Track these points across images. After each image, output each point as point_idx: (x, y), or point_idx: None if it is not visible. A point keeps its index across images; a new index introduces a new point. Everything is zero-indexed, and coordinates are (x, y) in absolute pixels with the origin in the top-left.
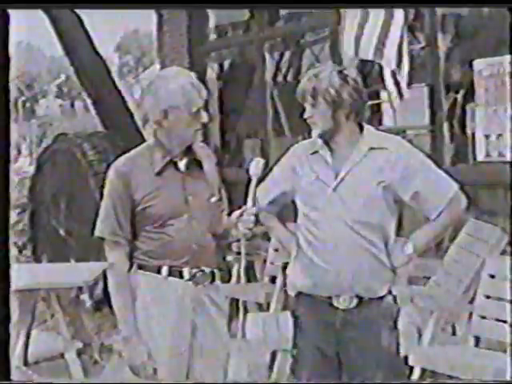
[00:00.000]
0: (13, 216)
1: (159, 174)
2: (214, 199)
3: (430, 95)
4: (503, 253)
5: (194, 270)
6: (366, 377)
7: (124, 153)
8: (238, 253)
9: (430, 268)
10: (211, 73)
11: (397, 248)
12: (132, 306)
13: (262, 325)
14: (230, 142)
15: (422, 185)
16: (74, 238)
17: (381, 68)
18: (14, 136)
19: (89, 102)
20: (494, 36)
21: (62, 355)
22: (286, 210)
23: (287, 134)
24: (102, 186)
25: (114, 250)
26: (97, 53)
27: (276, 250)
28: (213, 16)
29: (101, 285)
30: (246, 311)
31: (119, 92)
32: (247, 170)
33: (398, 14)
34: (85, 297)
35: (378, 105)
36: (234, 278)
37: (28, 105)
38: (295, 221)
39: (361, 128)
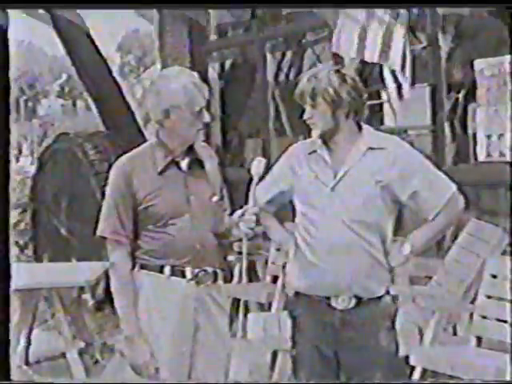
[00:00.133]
0: (14, 215)
1: (161, 173)
2: (215, 198)
3: (431, 95)
4: (504, 253)
5: (197, 270)
6: (364, 377)
7: (125, 152)
8: (240, 252)
9: (432, 268)
10: (212, 72)
11: (394, 248)
12: (134, 305)
13: (263, 325)
14: (232, 142)
15: (420, 185)
16: (76, 237)
17: (381, 68)
18: (15, 135)
19: (90, 101)
20: (495, 36)
21: (63, 355)
22: (284, 210)
23: (289, 134)
24: (104, 186)
25: (116, 250)
26: (98, 52)
27: (278, 250)
28: (214, 16)
29: (102, 284)
30: (247, 311)
31: (120, 92)
32: (249, 170)
33: (402, 14)
34: (86, 296)
35: (380, 105)
36: (235, 278)
37: (29, 104)
38: (293, 220)
39: (359, 128)
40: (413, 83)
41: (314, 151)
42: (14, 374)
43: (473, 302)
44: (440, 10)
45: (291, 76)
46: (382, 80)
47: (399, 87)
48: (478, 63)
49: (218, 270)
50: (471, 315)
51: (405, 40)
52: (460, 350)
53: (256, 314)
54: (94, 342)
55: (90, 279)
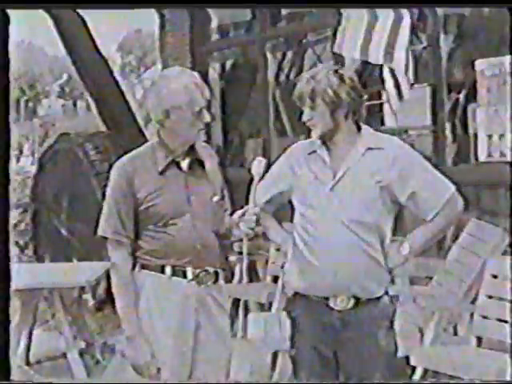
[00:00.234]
0: (15, 216)
1: (162, 173)
2: (216, 198)
3: (432, 95)
4: (505, 253)
5: (198, 270)
6: (363, 377)
7: (126, 153)
8: (240, 252)
9: (432, 268)
10: (213, 73)
11: (393, 248)
12: (135, 305)
13: (263, 325)
14: (232, 142)
15: (418, 185)
16: (76, 237)
17: (381, 69)
18: (16, 136)
19: (91, 101)
20: (496, 36)
21: (64, 355)
22: (283, 210)
23: (289, 134)
24: (104, 186)
25: (117, 250)
26: (99, 52)
27: (278, 250)
28: (215, 16)
29: (103, 284)
30: (247, 311)
31: (121, 92)
32: (249, 170)
33: (406, 16)
34: (87, 296)
35: (380, 105)
36: (236, 278)
37: (30, 104)
38: (291, 221)
39: (359, 128)
40: (412, 83)
41: (314, 151)
42: (14, 374)
43: (473, 302)
44: (441, 10)
45: (292, 76)
46: (382, 80)
47: (398, 88)
48: (479, 63)
49: (219, 270)
50: (472, 315)
51: (408, 41)
52: (460, 350)
53: (256, 314)
54: (95, 342)
55: (91, 279)
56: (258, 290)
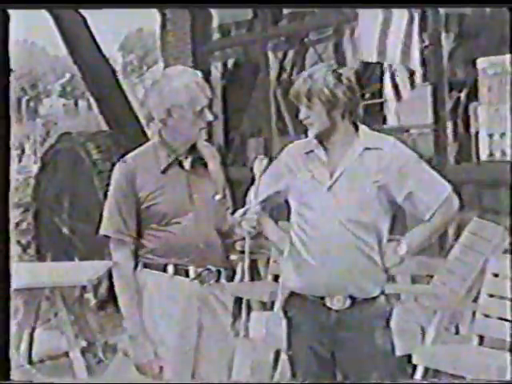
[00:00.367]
0: (17, 215)
1: (164, 172)
2: (218, 197)
3: (433, 94)
4: (506, 251)
5: (200, 269)
6: (361, 377)
7: (128, 152)
8: (242, 251)
9: (434, 267)
10: (215, 72)
11: (390, 248)
12: (138, 304)
13: (265, 323)
14: (234, 141)
15: (415, 185)
16: (78, 236)
17: (381, 69)
18: (17, 135)
19: (92, 101)
20: (497, 35)
21: (66, 354)
22: (281, 210)
23: (291, 133)
24: (106, 185)
25: (119, 249)
26: (100, 52)
27: None
28: (216, 15)
29: (105, 284)
30: (249, 310)
31: (123, 91)
32: (251, 169)
33: (416, 15)
34: (89, 296)
35: (382, 103)
36: (237, 277)
37: (32, 104)
38: (288, 220)
39: (356, 128)
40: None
41: (311, 151)
42: (15, 374)
43: (475, 300)
44: (442, 10)
45: (293, 75)
46: (381, 80)
47: (397, 88)
48: (481, 62)
49: (222, 269)
50: (473, 314)
51: (420, 40)
52: (462, 348)
53: (258, 313)
54: (97, 341)
55: (93, 278)
56: (260, 289)
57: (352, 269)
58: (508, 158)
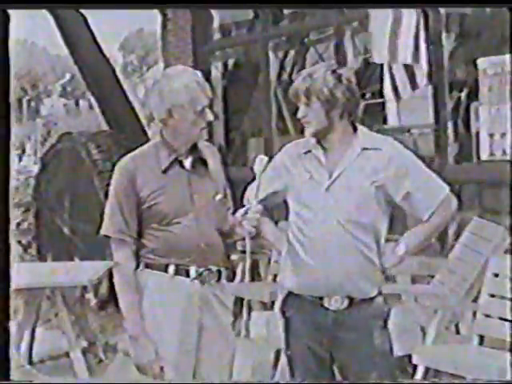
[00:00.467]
0: (17, 215)
1: (165, 172)
2: (219, 197)
3: (434, 94)
4: (507, 251)
5: (201, 269)
6: (359, 377)
7: (128, 151)
8: (243, 251)
9: (434, 267)
10: (215, 72)
11: (388, 248)
12: (138, 304)
13: (266, 323)
14: (235, 141)
15: (413, 186)
16: (79, 236)
17: (382, 69)
18: (18, 135)
19: (93, 101)
20: (497, 35)
21: (66, 354)
22: (278, 210)
23: (291, 133)
24: (107, 185)
25: (120, 249)
26: (101, 52)
27: None
28: (217, 15)
29: (105, 284)
30: (250, 310)
31: (123, 91)
32: (252, 169)
33: (422, 15)
34: (90, 296)
35: (383, 104)
36: (238, 277)
37: (32, 104)
38: (286, 220)
39: (354, 128)
40: (414, 81)
41: (309, 151)
42: (15, 374)
43: (475, 300)
44: (442, 9)
45: (294, 75)
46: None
47: (396, 88)
48: (481, 62)
49: (222, 269)
50: (474, 314)
51: (427, 39)
52: (463, 348)
53: (259, 313)
54: (97, 341)
55: (93, 278)
56: (261, 289)
57: (350, 269)
58: (508, 158)
